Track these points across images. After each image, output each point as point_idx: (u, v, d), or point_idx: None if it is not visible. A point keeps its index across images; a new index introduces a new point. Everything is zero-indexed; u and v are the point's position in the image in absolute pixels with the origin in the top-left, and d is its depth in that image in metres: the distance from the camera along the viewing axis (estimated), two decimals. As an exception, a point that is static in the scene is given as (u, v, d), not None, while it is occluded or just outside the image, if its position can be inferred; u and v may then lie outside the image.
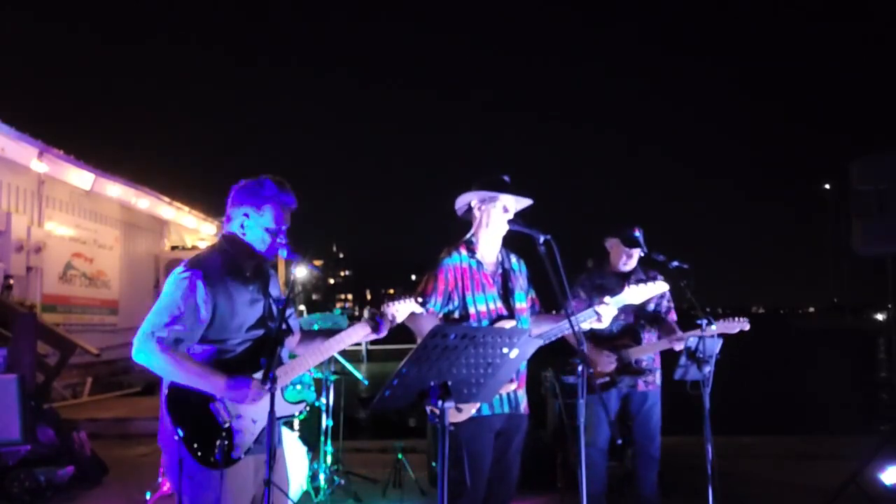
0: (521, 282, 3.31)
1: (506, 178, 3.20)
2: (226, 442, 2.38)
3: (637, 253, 4.32)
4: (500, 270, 3.27)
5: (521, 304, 3.26)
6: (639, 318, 4.39)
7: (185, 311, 2.40)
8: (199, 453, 2.38)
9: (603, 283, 4.29)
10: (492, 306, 3.17)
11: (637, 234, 4.28)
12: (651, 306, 4.40)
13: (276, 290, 2.71)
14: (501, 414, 3.11)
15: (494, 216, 3.18)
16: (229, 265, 2.55)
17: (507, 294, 3.22)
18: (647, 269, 4.36)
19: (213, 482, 2.36)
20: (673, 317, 4.48)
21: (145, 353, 2.38)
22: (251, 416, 2.47)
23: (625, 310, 4.32)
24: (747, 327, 4.12)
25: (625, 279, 4.29)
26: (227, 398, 2.41)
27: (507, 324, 3.14)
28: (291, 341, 2.79)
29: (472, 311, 3.13)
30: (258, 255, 2.61)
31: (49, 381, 8.76)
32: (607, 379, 4.28)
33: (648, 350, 4.26)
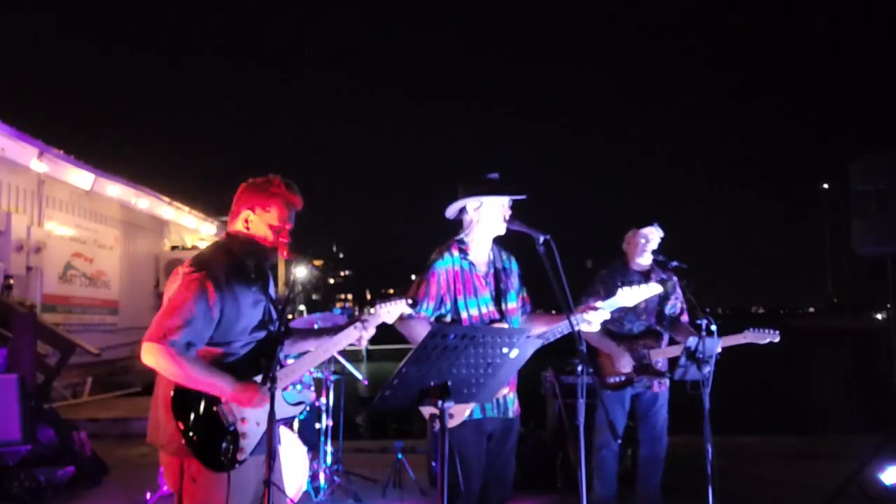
0: (512, 281, 3.28)
1: (495, 175, 3.14)
2: (231, 445, 2.38)
3: (654, 236, 4.29)
4: (492, 270, 3.23)
5: (512, 304, 3.23)
6: (661, 321, 4.39)
7: (197, 315, 2.39)
8: (206, 456, 2.38)
9: (625, 280, 4.30)
10: (484, 310, 3.14)
11: (655, 224, 4.30)
12: (667, 307, 4.40)
13: (273, 290, 2.71)
14: (493, 417, 3.10)
15: (494, 218, 3.13)
16: (234, 266, 2.54)
17: (499, 296, 3.20)
18: (664, 269, 4.35)
19: (218, 484, 2.36)
20: (685, 318, 4.48)
21: (156, 357, 2.35)
22: (255, 418, 2.47)
23: (647, 311, 4.32)
24: (777, 339, 4.12)
25: (646, 278, 4.29)
26: (235, 402, 2.42)
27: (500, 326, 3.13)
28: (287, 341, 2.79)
29: (463, 315, 3.11)
30: (260, 253, 2.61)
31: (49, 381, 8.75)
32: (623, 378, 4.28)
33: (670, 353, 4.25)
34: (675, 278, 4.41)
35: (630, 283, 4.21)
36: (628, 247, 4.44)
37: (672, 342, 4.37)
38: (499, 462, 3.16)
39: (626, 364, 4.23)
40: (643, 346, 4.28)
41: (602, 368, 4.36)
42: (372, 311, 2.63)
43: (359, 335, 2.63)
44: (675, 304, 4.43)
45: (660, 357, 4.27)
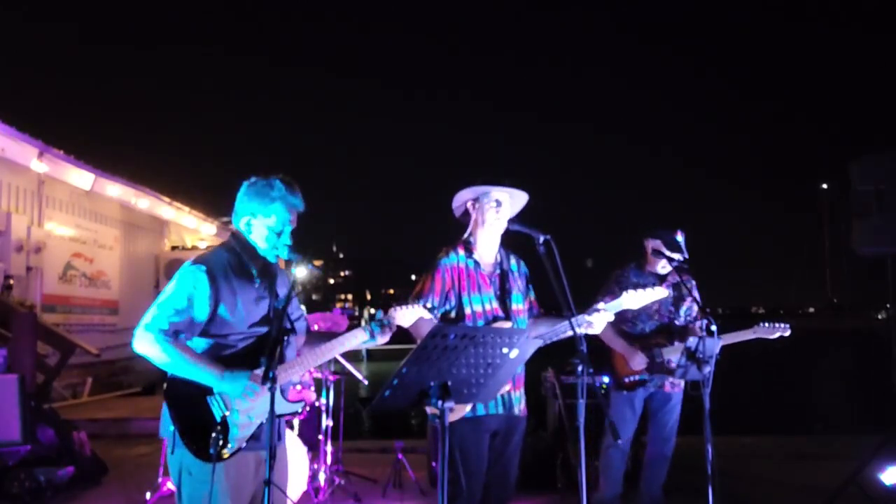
0: (519, 283, 3.30)
1: (493, 173, 3.23)
2: (220, 435, 2.40)
3: (676, 257, 4.25)
4: (497, 271, 3.25)
5: (518, 305, 3.24)
6: (673, 321, 4.38)
7: (186, 303, 2.45)
8: (194, 446, 2.41)
9: (639, 281, 4.26)
10: (488, 307, 3.16)
11: (680, 238, 4.25)
12: (684, 307, 4.38)
13: (283, 289, 2.70)
14: (496, 415, 3.09)
15: (488, 213, 3.18)
16: (235, 262, 2.59)
17: (503, 295, 3.21)
18: (681, 273, 4.34)
19: (207, 476, 2.37)
20: (700, 322, 4.45)
21: (144, 343, 2.42)
22: (247, 411, 2.48)
23: (660, 311, 4.30)
24: (788, 332, 4.10)
25: (662, 281, 4.27)
26: (223, 390, 2.44)
27: (503, 325, 3.13)
28: (299, 340, 2.79)
29: (467, 311, 3.13)
30: (261, 256, 2.64)
31: (49, 381, 8.76)
32: (637, 377, 4.28)
33: (680, 352, 4.22)
34: (692, 282, 4.40)
35: (643, 286, 4.20)
36: (650, 253, 4.36)
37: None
38: (501, 461, 3.15)
39: (639, 362, 4.21)
40: (655, 345, 4.28)
41: (617, 368, 4.36)
42: (388, 314, 2.62)
43: (367, 337, 2.61)
44: (692, 307, 4.40)
45: (672, 356, 4.25)
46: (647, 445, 4.50)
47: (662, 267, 4.31)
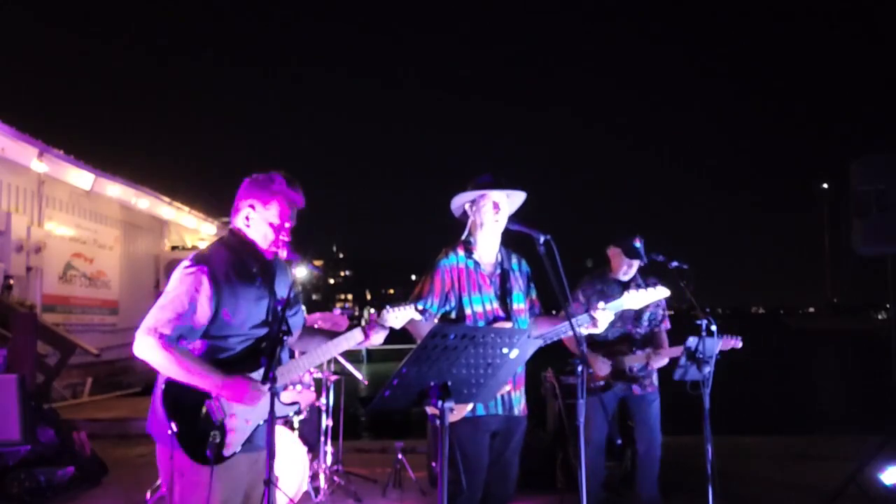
0: (520, 283, 3.30)
1: (491, 175, 3.20)
2: (218, 440, 2.39)
3: (637, 263, 4.35)
4: (498, 271, 3.26)
5: (519, 305, 3.24)
6: (636, 329, 4.44)
7: (189, 308, 2.40)
8: (192, 450, 2.38)
9: (604, 288, 4.35)
10: (488, 307, 3.16)
11: (638, 244, 4.28)
12: (647, 314, 4.43)
13: (283, 287, 2.66)
14: (496, 415, 3.10)
15: (486, 215, 3.18)
16: (235, 261, 2.54)
17: (504, 295, 3.21)
18: (646, 277, 4.40)
19: (203, 479, 2.36)
20: (666, 325, 4.52)
21: (146, 348, 2.38)
22: (244, 415, 2.46)
23: (622, 318, 4.34)
24: (739, 345, 4.18)
25: (625, 287, 4.30)
26: (224, 397, 2.41)
27: (504, 325, 3.13)
28: (290, 340, 2.78)
29: (468, 311, 3.13)
30: (260, 253, 2.61)
31: (49, 381, 8.76)
32: (602, 383, 4.35)
33: (641, 360, 4.33)
34: (658, 285, 4.43)
35: (607, 293, 4.28)
36: (613, 261, 4.48)
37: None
38: (501, 461, 3.16)
39: (602, 368, 4.30)
40: (618, 353, 4.35)
41: None
42: (380, 315, 2.60)
43: (362, 338, 2.61)
44: (656, 312, 4.47)
45: (634, 363, 4.33)
46: (634, 447, 4.55)
47: (624, 273, 4.39)
